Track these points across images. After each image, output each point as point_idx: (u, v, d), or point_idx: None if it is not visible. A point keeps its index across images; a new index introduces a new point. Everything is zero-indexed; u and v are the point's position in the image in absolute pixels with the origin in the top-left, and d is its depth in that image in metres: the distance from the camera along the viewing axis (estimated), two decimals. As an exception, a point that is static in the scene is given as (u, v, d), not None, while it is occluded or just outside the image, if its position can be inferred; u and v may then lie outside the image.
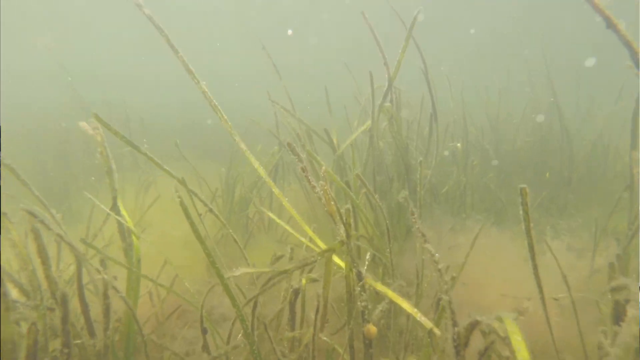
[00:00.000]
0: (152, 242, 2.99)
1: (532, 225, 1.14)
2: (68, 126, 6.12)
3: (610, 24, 1.45)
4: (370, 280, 1.07)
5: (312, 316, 1.42)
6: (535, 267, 1.21)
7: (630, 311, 1.03)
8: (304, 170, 1.15)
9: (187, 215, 1.33)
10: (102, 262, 1.47)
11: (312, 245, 1.52)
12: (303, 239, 1.62)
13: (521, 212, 1.11)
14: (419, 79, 3.46)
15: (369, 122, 2.78)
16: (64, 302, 1.15)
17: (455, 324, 0.88)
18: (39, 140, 6.03)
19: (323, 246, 1.53)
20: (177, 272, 2.37)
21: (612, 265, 1.48)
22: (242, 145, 1.48)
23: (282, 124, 4.20)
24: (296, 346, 1.36)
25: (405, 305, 1.04)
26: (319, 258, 1.09)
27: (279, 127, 3.94)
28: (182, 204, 1.38)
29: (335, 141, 3.51)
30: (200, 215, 2.47)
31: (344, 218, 0.98)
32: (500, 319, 0.81)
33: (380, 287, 1.08)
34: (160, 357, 2.43)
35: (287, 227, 1.99)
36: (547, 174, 5.08)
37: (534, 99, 6.05)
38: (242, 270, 1.23)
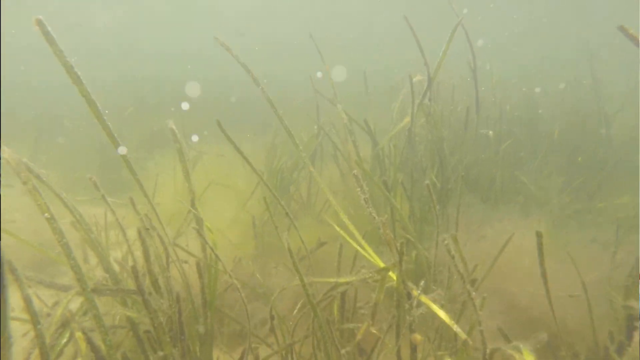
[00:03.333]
0: (208, 219, 3.36)
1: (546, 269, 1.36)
2: (120, 104, 6.49)
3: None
4: (417, 294, 1.34)
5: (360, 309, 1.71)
6: (545, 279, 1.44)
7: (636, 336, 1.27)
8: (366, 201, 1.39)
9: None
10: (203, 245, 1.80)
11: (362, 251, 1.79)
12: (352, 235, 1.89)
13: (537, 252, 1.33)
14: (459, 52, 3.51)
15: (407, 119, 2.96)
16: (172, 294, 1.49)
17: (485, 345, 1.14)
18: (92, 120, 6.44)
19: (372, 254, 1.80)
20: (235, 251, 2.71)
21: (628, 288, 1.69)
22: (311, 169, 1.73)
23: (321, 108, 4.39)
24: (347, 335, 1.66)
25: (444, 316, 1.31)
26: (376, 276, 1.36)
27: (318, 112, 4.14)
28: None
29: (371, 123, 3.69)
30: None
31: (398, 247, 1.23)
32: (518, 349, 1.06)
33: (424, 299, 1.35)
34: (220, 321, 2.85)
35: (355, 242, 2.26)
36: (579, 159, 5.12)
37: (572, 80, 5.95)
38: (312, 279, 1.52)
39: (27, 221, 3.73)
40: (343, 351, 1.40)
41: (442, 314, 1.31)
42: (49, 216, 1.05)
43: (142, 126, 6.68)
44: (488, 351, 1.12)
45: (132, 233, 2.66)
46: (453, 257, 1.23)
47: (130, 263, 2.33)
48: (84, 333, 1.37)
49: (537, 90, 6.29)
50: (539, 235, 1.37)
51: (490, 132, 4.06)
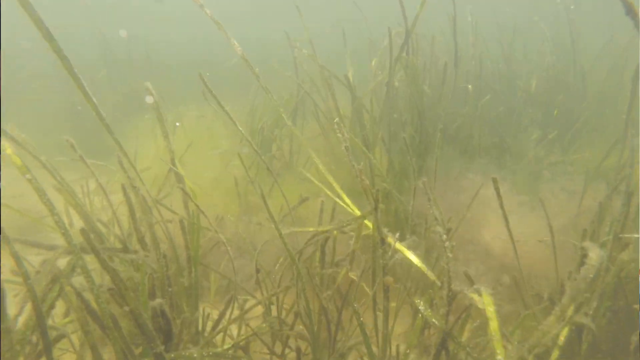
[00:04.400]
0: (191, 180, 3.37)
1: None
2: (95, 65, 6.25)
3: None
4: (391, 240, 1.42)
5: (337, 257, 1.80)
6: (507, 222, 1.53)
7: (583, 271, 1.38)
8: (347, 149, 1.43)
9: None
10: (185, 202, 1.84)
11: (340, 203, 1.86)
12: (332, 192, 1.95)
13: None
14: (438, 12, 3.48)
15: (384, 75, 2.96)
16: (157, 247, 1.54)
17: (449, 284, 1.23)
18: (66, 81, 6.20)
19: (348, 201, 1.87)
20: (219, 211, 2.76)
21: (585, 232, 1.80)
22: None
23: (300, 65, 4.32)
24: (326, 281, 1.76)
25: (416, 261, 1.40)
26: (353, 223, 1.43)
27: (297, 69, 4.09)
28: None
29: (350, 76, 3.67)
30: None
31: (375, 196, 1.29)
32: (479, 291, 1.15)
33: (399, 246, 1.43)
34: (207, 277, 2.93)
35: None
36: (555, 112, 5.23)
37: (553, 33, 5.95)
38: (292, 229, 1.58)
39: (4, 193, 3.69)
40: (323, 295, 1.50)
41: (414, 258, 1.40)
42: (30, 177, 1.06)
43: (115, 89, 6.49)
44: (451, 292, 1.22)
45: (114, 198, 2.66)
46: (429, 199, 1.30)
47: (115, 226, 2.36)
48: (74, 287, 1.42)
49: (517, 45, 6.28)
50: (495, 181, 1.45)
51: (470, 87, 4.09)
